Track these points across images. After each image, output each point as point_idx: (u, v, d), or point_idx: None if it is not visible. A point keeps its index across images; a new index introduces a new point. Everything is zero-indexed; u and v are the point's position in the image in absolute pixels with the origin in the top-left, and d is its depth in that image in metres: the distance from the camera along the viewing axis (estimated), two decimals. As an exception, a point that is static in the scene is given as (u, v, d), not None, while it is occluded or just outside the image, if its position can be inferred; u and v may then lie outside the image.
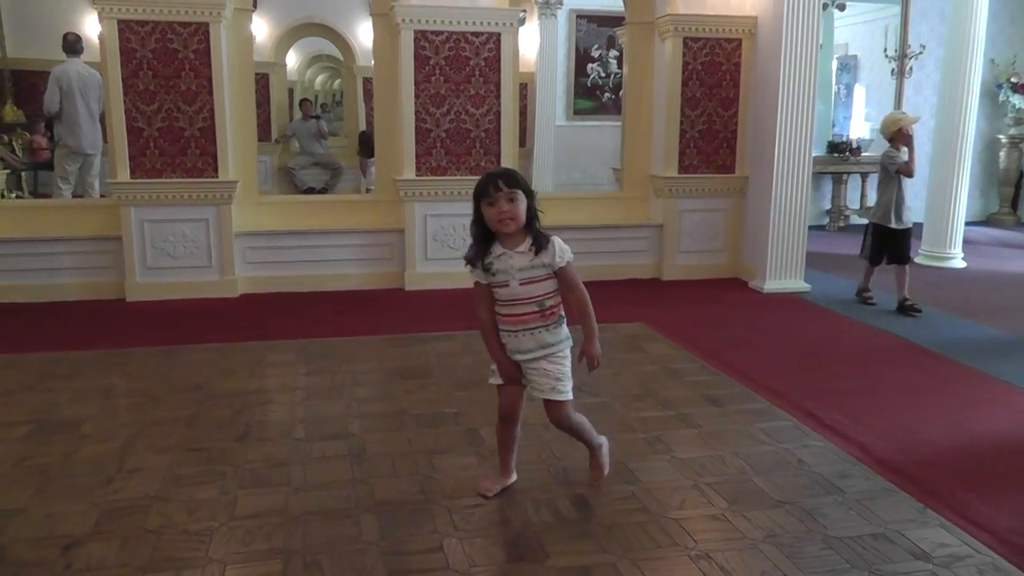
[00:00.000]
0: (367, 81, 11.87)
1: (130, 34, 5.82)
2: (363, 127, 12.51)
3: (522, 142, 8.27)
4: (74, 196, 8.18)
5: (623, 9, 7.27)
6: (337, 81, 14.70)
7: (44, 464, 3.24)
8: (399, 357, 4.71)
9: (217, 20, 5.88)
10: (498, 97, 6.39)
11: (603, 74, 12.01)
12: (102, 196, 7.99)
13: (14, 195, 8.74)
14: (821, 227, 9.78)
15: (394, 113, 6.46)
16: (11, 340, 5.08)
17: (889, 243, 5.92)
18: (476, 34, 6.26)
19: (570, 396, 2.84)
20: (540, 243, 2.72)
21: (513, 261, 2.71)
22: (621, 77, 10.73)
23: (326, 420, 3.70)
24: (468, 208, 7.18)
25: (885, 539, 2.64)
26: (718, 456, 3.28)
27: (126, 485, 3.03)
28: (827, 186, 10.17)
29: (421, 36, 6.20)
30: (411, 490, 2.99)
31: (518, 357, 2.78)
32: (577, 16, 11.75)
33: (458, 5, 6.19)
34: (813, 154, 6.54)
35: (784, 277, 6.49)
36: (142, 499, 2.91)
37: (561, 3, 10.87)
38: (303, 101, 12.43)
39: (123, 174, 5.95)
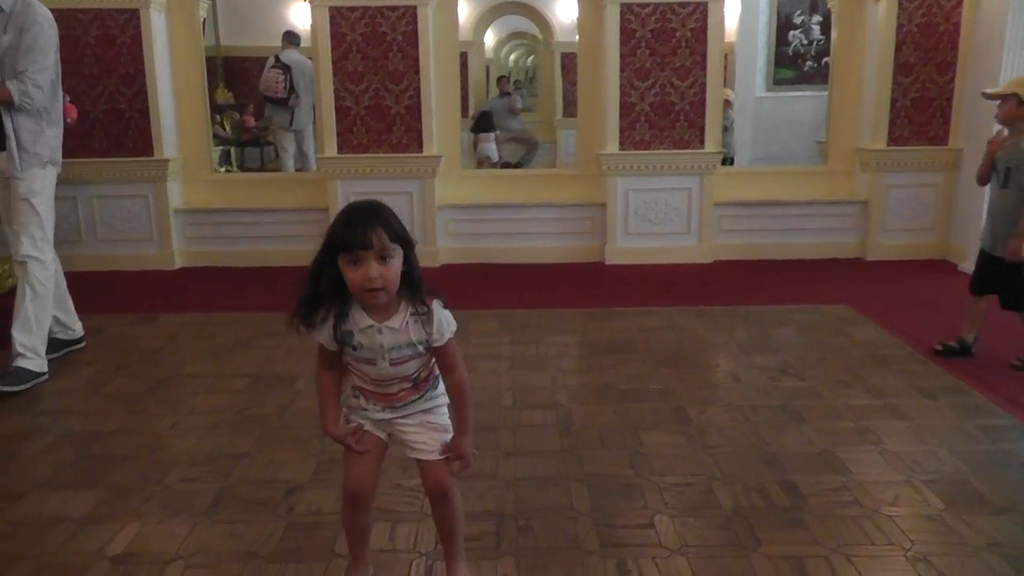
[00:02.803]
0: (564, 57, 11.93)
1: (340, 20, 6.13)
2: (560, 103, 12.58)
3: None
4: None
5: (830, -29, 6.92)
6: (530, 58, 14.84)
7: (263, 415, 3.52)
8: (602, 331, 4.77)
9: (425, 3, 6.09)
10: (703, 69, 6.26)
11: (805, 41, 11.43)
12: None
13: (223, 169, 9.47)
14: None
15: (598, 88, 6.47)
16: (226, 301, 5.57)
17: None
18: (683, 5, 6.16)
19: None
20: (419, 312, 2.01)
21: (384, 338, 2.00)
22: (825, 44, 10.24)
23: (532, 389, 3.79)
24: (672, 182, 7.01)
25: None
26: (932, 451, 3.12)
27: (341, 438, 3.25)
28: (1044, 162, 9.27)
29: (627, 9, 6.17)
30: (620, 463, 3.03)
31: (380, 416, 2.18)
32: (779, -20, 11.25)
33: (665, -24, 6.10)
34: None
35: (996, 261, 6.03)
36: (356, 453, 3.11)
37: (763, -33, 10.47)
38: (500, 78, 12.64)
39: (330, 150, 6.31)
